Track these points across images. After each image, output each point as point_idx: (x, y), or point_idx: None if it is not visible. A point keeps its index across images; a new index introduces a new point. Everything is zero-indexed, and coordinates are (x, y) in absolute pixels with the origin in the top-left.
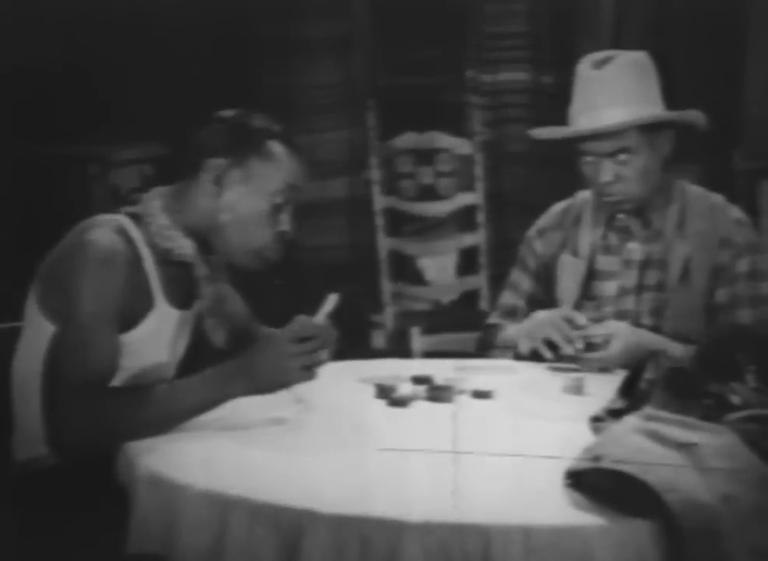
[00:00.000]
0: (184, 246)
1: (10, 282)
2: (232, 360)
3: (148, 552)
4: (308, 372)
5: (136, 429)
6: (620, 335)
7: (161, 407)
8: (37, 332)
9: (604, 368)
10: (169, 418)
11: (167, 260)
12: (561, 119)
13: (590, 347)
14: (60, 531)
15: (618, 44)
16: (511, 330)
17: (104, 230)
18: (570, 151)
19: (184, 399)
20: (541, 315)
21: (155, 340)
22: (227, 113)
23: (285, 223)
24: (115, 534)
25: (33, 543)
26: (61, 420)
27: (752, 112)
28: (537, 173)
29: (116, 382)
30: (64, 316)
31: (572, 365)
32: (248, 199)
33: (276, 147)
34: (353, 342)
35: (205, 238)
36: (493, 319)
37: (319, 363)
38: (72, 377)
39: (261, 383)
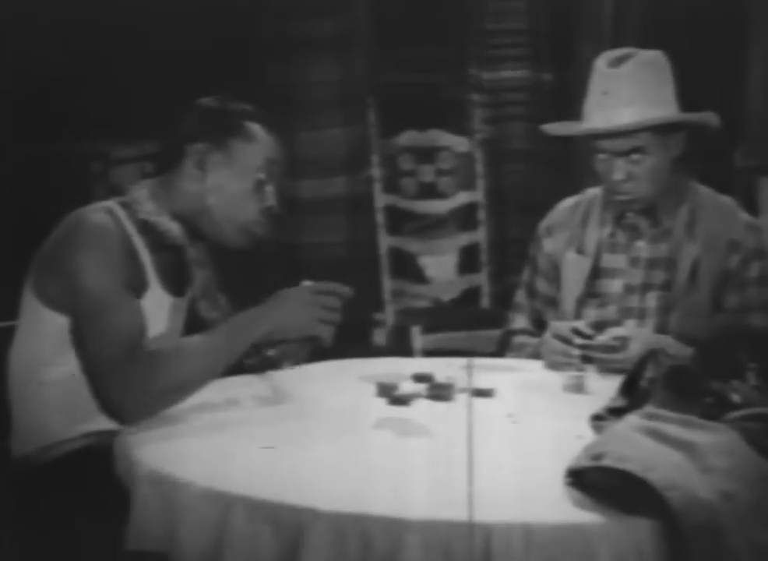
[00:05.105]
0: (173, 229)
1: (9, 280)
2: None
3: (148, 549)
4: (325, 324)
5: (183, 383)
6: (639, 337)
7: (200, 356)
8: (36, 324)
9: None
10: (209, 367)
11: (156, 246)
12: (562, 116)
13: (610, 349)
14: (59, 527)
15: (619, 41)
16: (528, 351)
17: (94, 212)
18: (570, 149)
19: (218, 343)
20: (547, 340)
21: (151, 323)
22: (204, 100)
23: (270, 198)
24: (115, 530)
25: (33, 538)
26: (114, 392)
27: (753, 109)
28: (538, 170)
29: None
30: (74, 296)
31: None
32: (232, 178)
33: (253, 126)
34: (353, 339)
35: (193, 224)
36: (513, 324)
37: (336, 319)
38: (109, 347)
39: (282, 321)
